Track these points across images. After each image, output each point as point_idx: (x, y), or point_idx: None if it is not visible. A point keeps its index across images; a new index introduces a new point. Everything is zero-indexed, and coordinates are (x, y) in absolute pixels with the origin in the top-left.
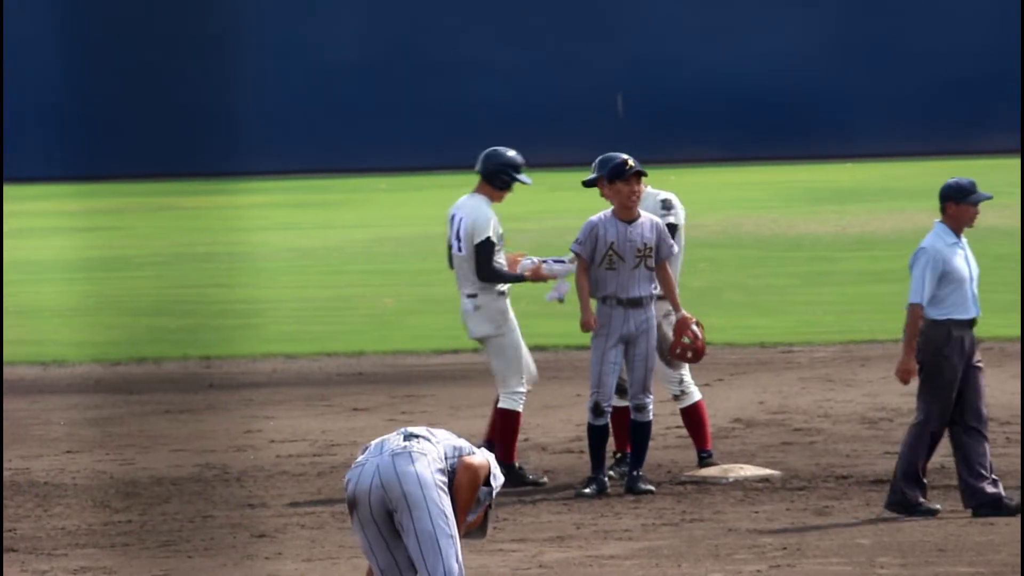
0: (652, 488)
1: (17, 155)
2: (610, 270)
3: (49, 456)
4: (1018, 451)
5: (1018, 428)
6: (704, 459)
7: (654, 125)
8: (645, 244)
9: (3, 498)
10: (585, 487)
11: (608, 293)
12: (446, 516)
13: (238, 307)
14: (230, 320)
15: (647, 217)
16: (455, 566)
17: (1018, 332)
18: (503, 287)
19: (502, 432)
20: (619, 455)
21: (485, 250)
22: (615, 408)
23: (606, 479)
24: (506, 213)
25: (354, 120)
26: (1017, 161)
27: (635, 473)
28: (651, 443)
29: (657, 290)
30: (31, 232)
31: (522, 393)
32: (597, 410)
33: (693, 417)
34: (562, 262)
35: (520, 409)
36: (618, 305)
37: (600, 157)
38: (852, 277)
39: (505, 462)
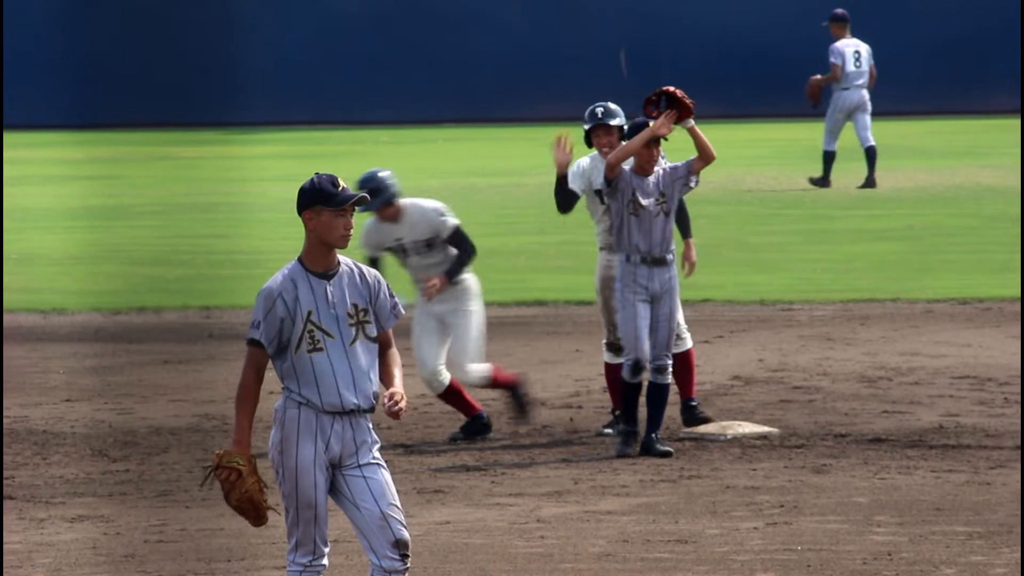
0: (670, 450)
1: (17, 102)
2: (634, 215)
3: (48, 404)
4: (1016, 412)
5: (1016, 389)
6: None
7: (657, 82)
8: (661, 192)
9: (2, 446)
10: (624, 446)
11: (632, 245)
12: None
13: (238, 258)
14: (230, 270)
15: (658, 168)
16: None
17: (1013, 292)
18: (609, 242)
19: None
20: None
21: None
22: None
23: (636, 430)
24: (506, 168)
25: (356, 72)
26: (1012, 121)
27: (653, 435)
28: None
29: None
30: (31, 179)
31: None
32: (637, 368)
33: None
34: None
35: (605, 359)
36: (643, 263)
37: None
38: (852, 235)
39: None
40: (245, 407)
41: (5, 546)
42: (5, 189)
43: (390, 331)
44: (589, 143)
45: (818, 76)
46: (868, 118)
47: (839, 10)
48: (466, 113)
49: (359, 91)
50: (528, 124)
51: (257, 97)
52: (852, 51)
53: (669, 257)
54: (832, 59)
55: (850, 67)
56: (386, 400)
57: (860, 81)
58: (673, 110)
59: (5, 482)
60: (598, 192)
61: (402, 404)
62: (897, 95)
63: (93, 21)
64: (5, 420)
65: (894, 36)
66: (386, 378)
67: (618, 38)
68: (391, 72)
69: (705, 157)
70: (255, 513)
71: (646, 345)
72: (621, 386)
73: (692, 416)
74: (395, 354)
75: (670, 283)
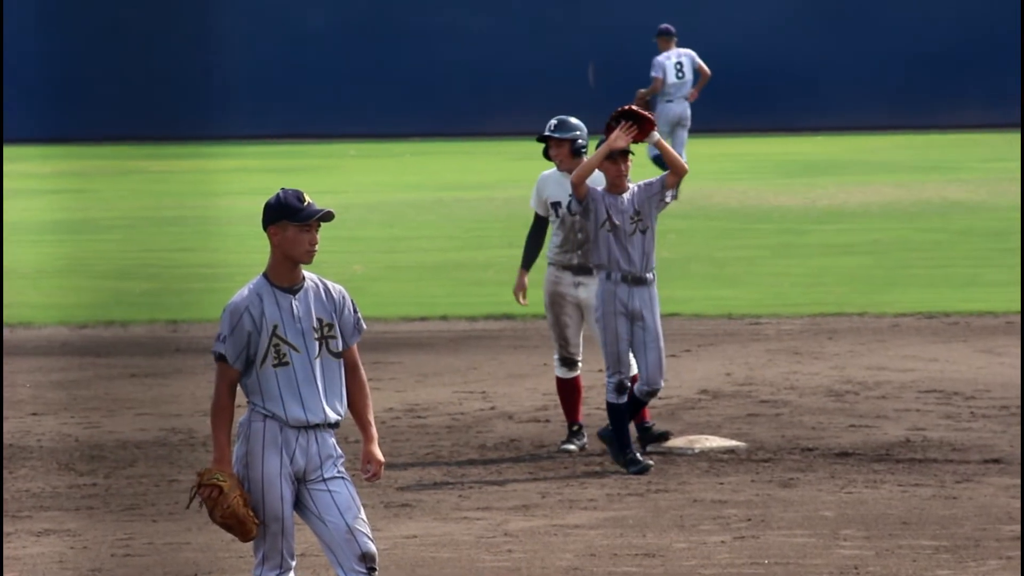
0: (650, 463)
1: None
2: (611, 232)
3: (14, 418)
4: (982, 426)
5: (983, 403)
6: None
7: (625, 95)
8: (636, 210)
9: (3, 455)
10: (634, 469)
11: (613, 263)
12: None
13: (205, 271)
14: (197, 284)
15: (632, 186)
16: None
17: (979, 306)
18: (558, 258)
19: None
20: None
21: None
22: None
23: (637, 454)
24: (474, 182)
25: (324, 85)
26: (979, 136)
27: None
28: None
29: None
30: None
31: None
32: (621, 388)
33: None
34: None
35: (558, 374)
36: (623, 281)
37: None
38: (820, 249)
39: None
40: (221, 423)
41: None
42: None
43: (355, 348)
44: (547, 155)
45: (642, 90)
46: (685, 134)
47: (664, 25)
48: (434, 127)
49: (326, 105)
50: (496, 138)
51: (225, 111)
52: (674, 63)
53: (649, 276)
54: (653, 72)
55: (671, 79)
56: (368, 468)
57: (682, 93)
58: (632, 124)
59: None
60: (555, 205)
61: (379, 472)
62: (866, 110)
63: (64, 35)
64: None
65: (868, 50)
66: (358, 418)
67: (587, 52)
68: (360, 86)
69: (676, 171)
70: (241, 528)
71: (629, 364)
72: (608, 408)
73: (651, 437)
74: (364, 380)
75: (651, 302)
